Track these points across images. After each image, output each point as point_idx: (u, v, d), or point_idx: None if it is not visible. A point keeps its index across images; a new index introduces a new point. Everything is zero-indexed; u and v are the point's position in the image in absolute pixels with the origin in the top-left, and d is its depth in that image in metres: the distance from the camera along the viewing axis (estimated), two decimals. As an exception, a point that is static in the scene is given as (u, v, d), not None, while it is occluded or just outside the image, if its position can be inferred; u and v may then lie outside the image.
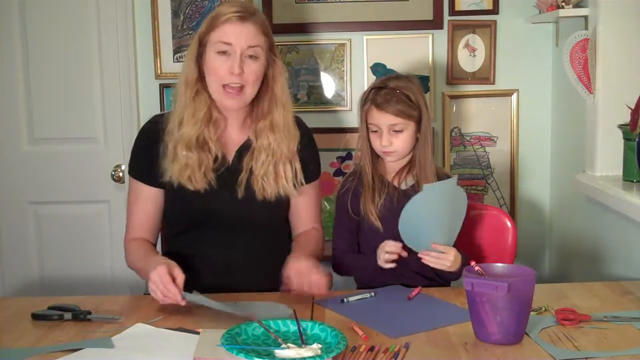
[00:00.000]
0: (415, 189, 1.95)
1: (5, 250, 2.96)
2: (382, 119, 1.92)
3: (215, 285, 1.76)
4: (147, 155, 1.85)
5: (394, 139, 1.92)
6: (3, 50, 2.85)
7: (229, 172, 1.85)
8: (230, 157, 1.87)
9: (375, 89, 1.95)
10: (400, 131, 1.92)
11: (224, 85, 1.78)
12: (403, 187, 1.98)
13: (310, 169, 1.95)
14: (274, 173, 1.84)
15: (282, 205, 1.90)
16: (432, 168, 1.98)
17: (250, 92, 1.81)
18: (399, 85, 1.93)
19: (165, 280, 1.59)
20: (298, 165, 1.88)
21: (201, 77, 1.82)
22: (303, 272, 1.68)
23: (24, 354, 1.39)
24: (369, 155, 1.98)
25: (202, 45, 1.80)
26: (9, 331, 1.53)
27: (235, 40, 1.75)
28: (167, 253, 1.93)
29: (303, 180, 1.90)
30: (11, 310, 1.68)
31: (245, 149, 1.87)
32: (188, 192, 1.81)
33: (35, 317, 1.59)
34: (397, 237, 1.88)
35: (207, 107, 1.81)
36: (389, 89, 1.92)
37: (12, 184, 2.91)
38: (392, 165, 2.00)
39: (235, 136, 1.89)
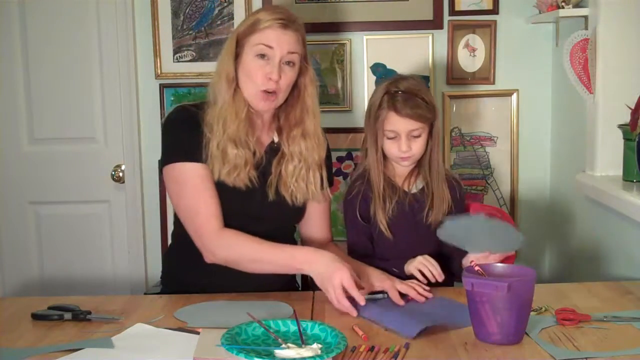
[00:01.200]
0: (425, 192, 1.94)
1: (5, 250, 2.96)
2: (402, 125, 1.87)
3: (225, 284, 1.77)
4: (197, 137, 1.78)
5: (412, 144, 1.88)
6: (3, 50, 2.85)
7: (261, 172, 1.84)
8: (261, 156, 1.86)
9: (389, 95, 1.89)
10: (419, 136, 1.89)
11: (261, 90, 1.77)
12: (413, 190, 1.96)
13: (330, 175, 1.95)
14: (305, 179, 1.84)
15: (304, 209, 1.91)
16: (442, 170, 1.96)
17: (282, 97, 1.81)
18: (412, 88, 1.89)
19: (350, 286, 1.60)
20: (325, 173, 1.89)
21: (237, 76, 1.81)
22: (397, 287, 1.73)
23: (24, 354, 1.39)
24: (381, 163, 1.94)
25: (239, 46, 1.79)
26: (9, 331, 1.53)
27: (276, 44, 1.74)
28: (176, 248, 1.92)
29: (328, 186, 1.91)
30: (11, 310, 1.67)
31: (272, 151, 1.86)
32: (225, 189, 1.77)
33: (35, 317, 1.59)
34: (406, 244, 1.90)
35: (246, 107, 1.80)
36: (406, 93, 1.87)
37: (12, 184, 2.92)
38: (401, 169, 1.97)
39: (264, 136, 1.89)
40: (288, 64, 1.77)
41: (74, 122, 2.88)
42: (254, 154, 1.81)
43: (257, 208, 1.81)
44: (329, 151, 1.97)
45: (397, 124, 1.87)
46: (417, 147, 1.90)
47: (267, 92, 1.76)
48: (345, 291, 1.61)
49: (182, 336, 1.47)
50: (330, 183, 1.97)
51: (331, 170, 1.99)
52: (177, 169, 1.77)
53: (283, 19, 1.75)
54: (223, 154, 1.75)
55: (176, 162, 1.77)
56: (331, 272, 1.62)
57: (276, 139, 1.87)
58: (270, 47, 1.74)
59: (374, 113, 1.91)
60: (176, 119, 1.82)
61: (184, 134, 1.79)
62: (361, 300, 1.60)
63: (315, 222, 1.96)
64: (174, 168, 1.78)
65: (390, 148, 1.91)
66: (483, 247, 1.76)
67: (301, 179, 1.84)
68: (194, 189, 1.76)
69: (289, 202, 1.84)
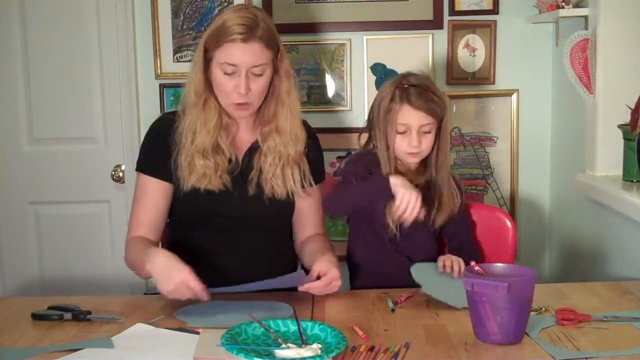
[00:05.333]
0: (428, 187, 1.93)
1: (5, 250, 2.96)
2: (415, 118, 1.85)
3: (224, 285, 1.76)
4: (160, 151, 1.84)
5: (422, 139, 1.87)
6: (3, 50, 2.85)
7: (240, 172, 1.85)
8: (241, 158, 1.87)
9: (401, 88, 1.87)
10: (429, 132, 1.87)
11: (232, 102, 1.79)
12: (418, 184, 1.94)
13: (316, 171, 1.94)
14: (282, 175, 1.85)
15: (290, 204, 1.90)
16: (449, 170, 1.96)
17: (256, 104, 1.83)
18: (423, 82, 1.88)
19: (193, 284, 1.57)
20: (306, 167, 1.89)
21: (209, 84, 1.82)
22: (334, 276, 1.69)
23: (24, 354, 1.39)
24: (392, 159, 1.90)
25: (208, 54, 1.79)
26: (9, 331, 1.53)
27: (240, 61, 1.74)
28: (169, 250, 1.92)
29: (312, 181, 1.90)
30: (11, 310, 1.68)
31: (254, 149, 1.88)
32: (201, 193, 1.81)
33: (35, 317, 1.59)
34: (405, 233, 1.90)
35: (217, 115, 1.82)
36: (419, 88, 1.86)
37: (12, 184, 2.92)
38: (406, 167, 1.95)
39: (245, 138, 1.90)
40: (257, 75, 1.77)
41: (74, 122, 2.88)
42: (230, 160, 1.82)
43: (236, 206, 1.83)
44: (318, 145, 1.97)
45: (411, 117, 1.85)
46: (427, 143, 1.88)
47: (239, 103, 1.78)
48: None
49: (182, 336, 1.48)
50: (321, 178, 1.97)
51: (321, 166, 1.98)
52: (137, 179, 1.89)
53: (244, 33, 1.73)
54: (190, 166, 1.80)
55: (137, 171, 1.89)
56: (171, 272, 1.57)
57: (259, 139, 1.88)
58: (234, 65, 1.75)
59: (385, 107, 1.88)
60: (149, 130, 1.92)
61: (149, 146, 1.89)
62: (204, 297, 1.58)
63: (302, 218, 1.96)
64: (137, 177, 1.90)
65: (401, 144, 1.88)
66: (443, 295, 1.68)
67: (278, 174, 1.85)
68: (136, 201, 1.88)
69: (270, 197, 1.84)
